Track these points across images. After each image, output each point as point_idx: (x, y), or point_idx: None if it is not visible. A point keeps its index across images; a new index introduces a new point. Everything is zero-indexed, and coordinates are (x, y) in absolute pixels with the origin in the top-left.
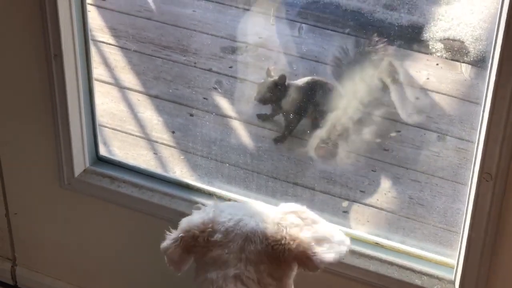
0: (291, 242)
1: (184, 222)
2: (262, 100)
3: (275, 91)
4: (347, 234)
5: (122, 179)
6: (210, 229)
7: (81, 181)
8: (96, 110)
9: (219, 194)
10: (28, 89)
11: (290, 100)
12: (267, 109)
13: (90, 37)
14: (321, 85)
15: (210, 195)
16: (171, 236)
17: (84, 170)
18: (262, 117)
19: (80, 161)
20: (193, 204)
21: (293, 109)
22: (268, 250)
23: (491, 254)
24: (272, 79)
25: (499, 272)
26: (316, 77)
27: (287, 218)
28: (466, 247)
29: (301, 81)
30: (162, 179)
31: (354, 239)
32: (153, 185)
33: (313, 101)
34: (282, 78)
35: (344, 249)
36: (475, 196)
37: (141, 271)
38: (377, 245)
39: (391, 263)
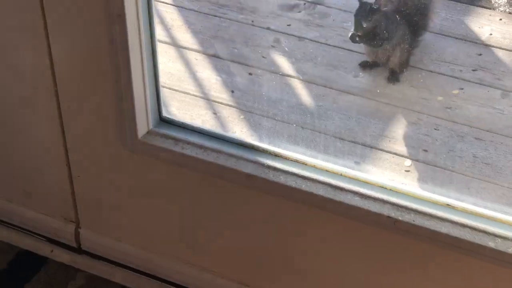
0: None
1: None
2: (362, 32)
3: (373, 18)
4: (415, 195)
5: (186, 140)
6: None
7: (144, 143)
8: (159, 72)
9: (285, 155)
10: (90, 49)
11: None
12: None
13: None
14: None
15: (276, 156)
16: None
17: (148, 132)
18: (366, 66)
19: (143, 123)
20: (259, 166)
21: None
22: None
23: None
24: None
25: None
26: None
27: None
28: None
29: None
30: (227, 140)
31: (424, 200)
32: (217, 146)
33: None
34: (378, 2)
35: None
36: None
37: (205, 233)
38: (448, 206)
39: (463, 225)
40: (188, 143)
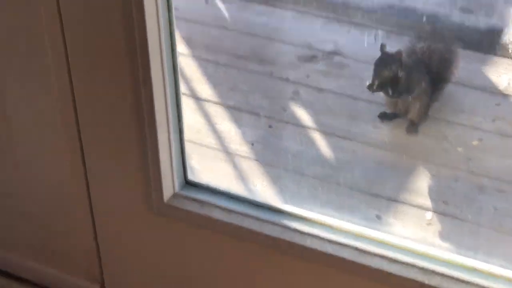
0: None
1: None
2: (381, 81)
3: (394, 68)
4: (442, 258)
5: (211, 203)
6: None
7: (170, 206)
8: (184, 136)
9: (310, 217)
10: (116, 114)
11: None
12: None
13: (177, 58)
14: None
15: (302, 219)
16: None
17: (173, 195)
18: (385, 117)
19: (169, 186)
20: (285, 229)
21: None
22: None
23: None
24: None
25: None
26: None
27: None
28: None
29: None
30: (252, 202)
31: (450, 263)
32: (243, 209)
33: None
34: (399, 53)
35: None
36: None
37: None
38: (475, 270)
39: None
40: (214, 206)
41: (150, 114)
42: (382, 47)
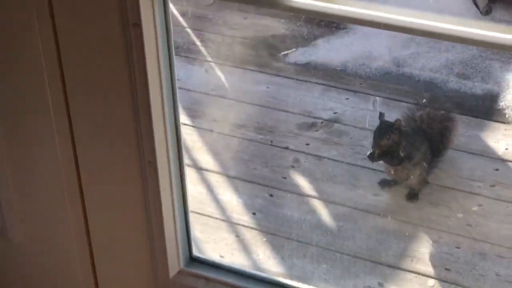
0: None
1: None
2: (381, 151)
3: (393, 137)
4: None
5: (217, 279)
6: None
7: (175, 283)
8: (189, 213)
9: None
10: (123, 194)
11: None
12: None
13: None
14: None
15: None
16: None
17: (179, 271)
18: (385, 184)
19: (175, 263)
20: None
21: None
22: None
23: None
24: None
25: None
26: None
27: None
28: None
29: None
30: (257, 278)
31: None
32: (248, 285)
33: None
34: (398, 122)
35: None
36: None
37: None
38: None
39: None
40: (219, 282)
41: (155, 191)
42: (381, 115)
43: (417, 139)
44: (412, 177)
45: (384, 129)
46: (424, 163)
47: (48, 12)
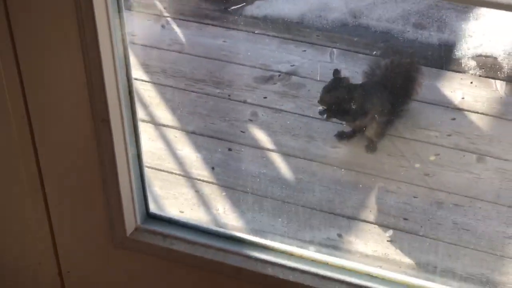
0: None
1: None
2: (327, 106)
3: (338, 94)
4: (398, 281)
5: (174, 236)
6: None
7: (132, 240)
8: (144, 169)
9: (271, 246)
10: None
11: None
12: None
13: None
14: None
15: (264, 248)
16: None
17: (136, 229)
18: (343, 136)
19: (131, 220)
20: (247, 259)
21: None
22: None
23: None
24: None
25: None
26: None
27: None
28: None
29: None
30: (214, 233)
31: (404, 284)
32: (206, 241)
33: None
34: (345, 79)
35: None
36: None
37: None
38: None
39: None
40: (176, 238)
41: (110, 151)
42: (335, 72)
43: (375, 93)
44: (370, 129)
45: (329, 86)
46: (383, 116)
47: None
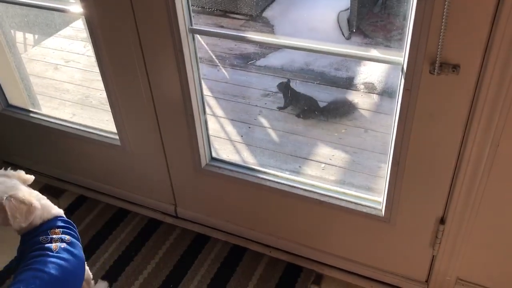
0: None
1: None
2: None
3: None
4: (328, 189)
5: (224, 167)
6: None
7: (205, 170)
8: (209, 134)
9: (269, 172)
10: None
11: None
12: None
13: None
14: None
15: (266, 173)
16: None
17: (206, 164)
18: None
19: (204, 159)
20: (260, 179)
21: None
22: None
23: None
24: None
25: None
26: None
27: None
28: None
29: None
30: (243, 166)
31: (333, 191)
32: (239, 170)
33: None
34: (287, 82)
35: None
36: None
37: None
38: (344, 194)
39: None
40: (225, 169)
41: (193, 131)
42: (288, 80)
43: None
44: (297, 108)
45: (281, 85)
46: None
47: None
